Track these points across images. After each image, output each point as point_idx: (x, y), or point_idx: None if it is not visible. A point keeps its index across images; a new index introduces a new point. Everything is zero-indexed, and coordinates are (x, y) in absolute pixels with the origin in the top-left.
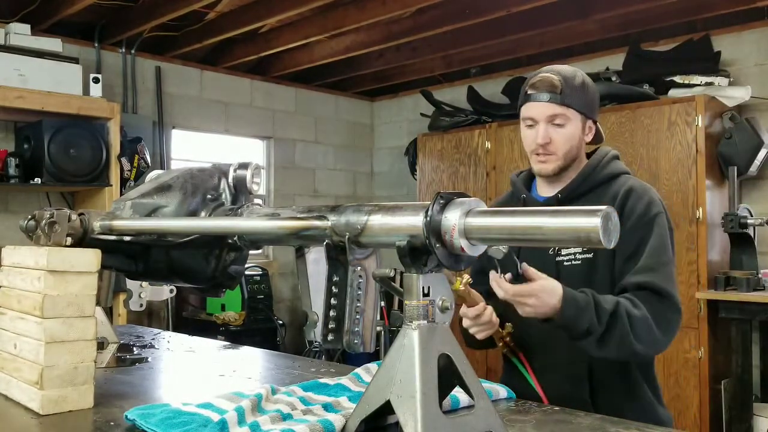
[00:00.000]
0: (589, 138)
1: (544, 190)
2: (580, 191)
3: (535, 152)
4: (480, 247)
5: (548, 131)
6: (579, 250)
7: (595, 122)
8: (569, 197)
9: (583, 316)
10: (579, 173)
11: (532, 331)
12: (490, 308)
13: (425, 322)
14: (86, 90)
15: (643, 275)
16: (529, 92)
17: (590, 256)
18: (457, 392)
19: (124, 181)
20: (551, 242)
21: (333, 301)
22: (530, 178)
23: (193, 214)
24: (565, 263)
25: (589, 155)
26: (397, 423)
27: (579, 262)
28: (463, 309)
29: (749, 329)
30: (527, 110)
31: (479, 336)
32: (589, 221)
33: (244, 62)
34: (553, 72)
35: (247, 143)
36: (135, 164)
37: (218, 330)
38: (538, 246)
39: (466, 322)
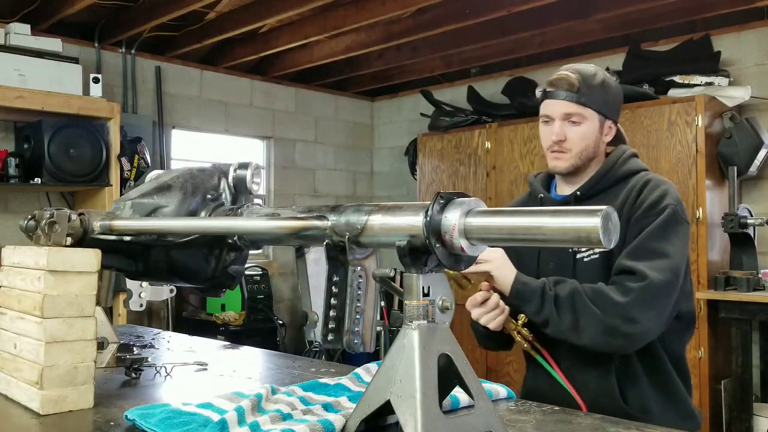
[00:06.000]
0: (608, 138)
1: (563, 189)
2: (598, 188)
3: (551, 149)
4: (480, 247)
5: (563, 128)
6: None
7: (615, 123)
8: (587, 195)
9: (528, 303)
10: (597, 171)
11: None
12: (496, 294)
13: (425, 322)
14: (86, 90)
15: (624, 258)
16: (547, 90)
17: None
18: (457, 392)
19: (124, 181)
20: (551, 242)
21: (333, 301)
22: (548, 178)
23: (193, 214)
24: (585, 259)
25: (608, 155)
26: (397, 423)
27: (597, 256)
28: (470, 299)
29: (749, 329)
30: (544, 107)
31: (491, 325)
32: (589, 221)
33: (244, 62)
34: (571, 70)
35: (247, 143)
36: (135, 164)
37: (218, 330)
38: (538, 246)
39: (474, 313)
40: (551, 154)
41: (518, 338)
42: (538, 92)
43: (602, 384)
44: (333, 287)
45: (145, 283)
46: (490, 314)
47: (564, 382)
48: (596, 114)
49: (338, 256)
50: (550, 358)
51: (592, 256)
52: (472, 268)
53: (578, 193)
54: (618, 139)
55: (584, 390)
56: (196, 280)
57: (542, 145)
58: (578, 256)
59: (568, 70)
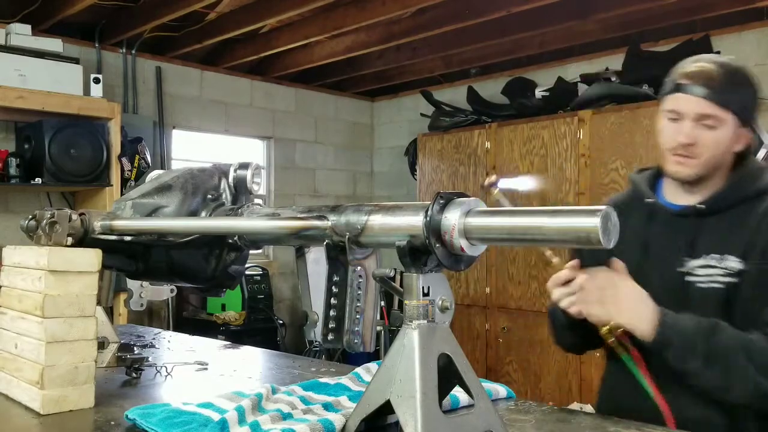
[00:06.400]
0: (738, 147)
1: (675, 196)
2: (727, 203)
3: (674, 151)
4: (480, 247)
5: (695, 131)
6: (721, 272)
7: (753, 130)
8: (713, 209)
9: (671, 350)
10: (727, 183)
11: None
12: (583, 275)
13: (425, 321)
14: (87, 90)
15: None
16: (680, 82)
17: (735, 280)
18: (457, 392)
19: (124, 181)
20: (551, 242)
21: (333, 301)
22: (655, 177)
23: (194, 214)
24: (699, 284)
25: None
26: (397, 423)
27: (721, 285)
28: (553, 277)
29: None
30: (674, 102)
31: (574, 310)
32: (589, 221)
33: (244, 62)
34: (713, 63)
35: (247, 143)
36: (135, 164)
37: (219, 330)
38: (537, 246)
39: (556, 293)
40: (673, 158)
41: (610, 339)
42: (668, 82)
43: (704, 416)
44: (333, 287)
45: (145, 283)
46: (573, 297)
47: (655, 395)
48: (734, 118)
49: (338, 256)
50: (646, 371)
51: (712, 284)
52: (599, 313)
53: (702, 206)
54: (746, 150)
55: (683, 412)
56: (197, 280)
57: (661, 143)
58: (688, 278)
59: (708, 62)
